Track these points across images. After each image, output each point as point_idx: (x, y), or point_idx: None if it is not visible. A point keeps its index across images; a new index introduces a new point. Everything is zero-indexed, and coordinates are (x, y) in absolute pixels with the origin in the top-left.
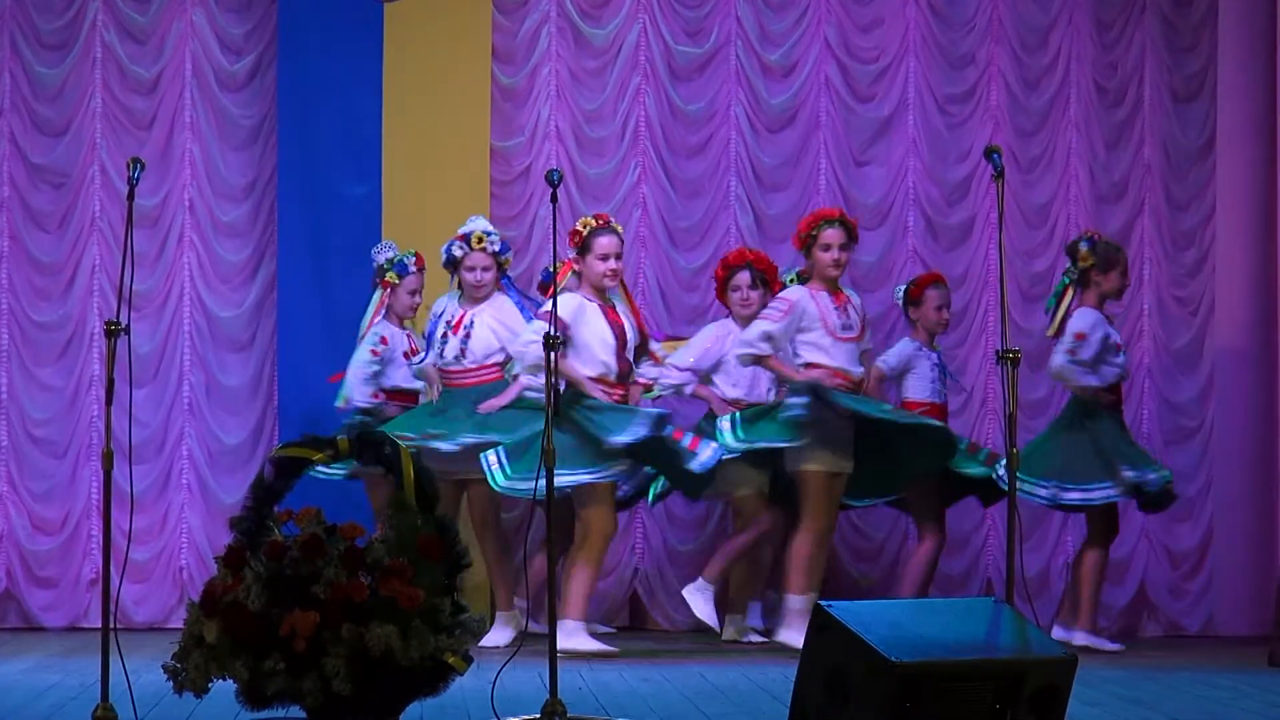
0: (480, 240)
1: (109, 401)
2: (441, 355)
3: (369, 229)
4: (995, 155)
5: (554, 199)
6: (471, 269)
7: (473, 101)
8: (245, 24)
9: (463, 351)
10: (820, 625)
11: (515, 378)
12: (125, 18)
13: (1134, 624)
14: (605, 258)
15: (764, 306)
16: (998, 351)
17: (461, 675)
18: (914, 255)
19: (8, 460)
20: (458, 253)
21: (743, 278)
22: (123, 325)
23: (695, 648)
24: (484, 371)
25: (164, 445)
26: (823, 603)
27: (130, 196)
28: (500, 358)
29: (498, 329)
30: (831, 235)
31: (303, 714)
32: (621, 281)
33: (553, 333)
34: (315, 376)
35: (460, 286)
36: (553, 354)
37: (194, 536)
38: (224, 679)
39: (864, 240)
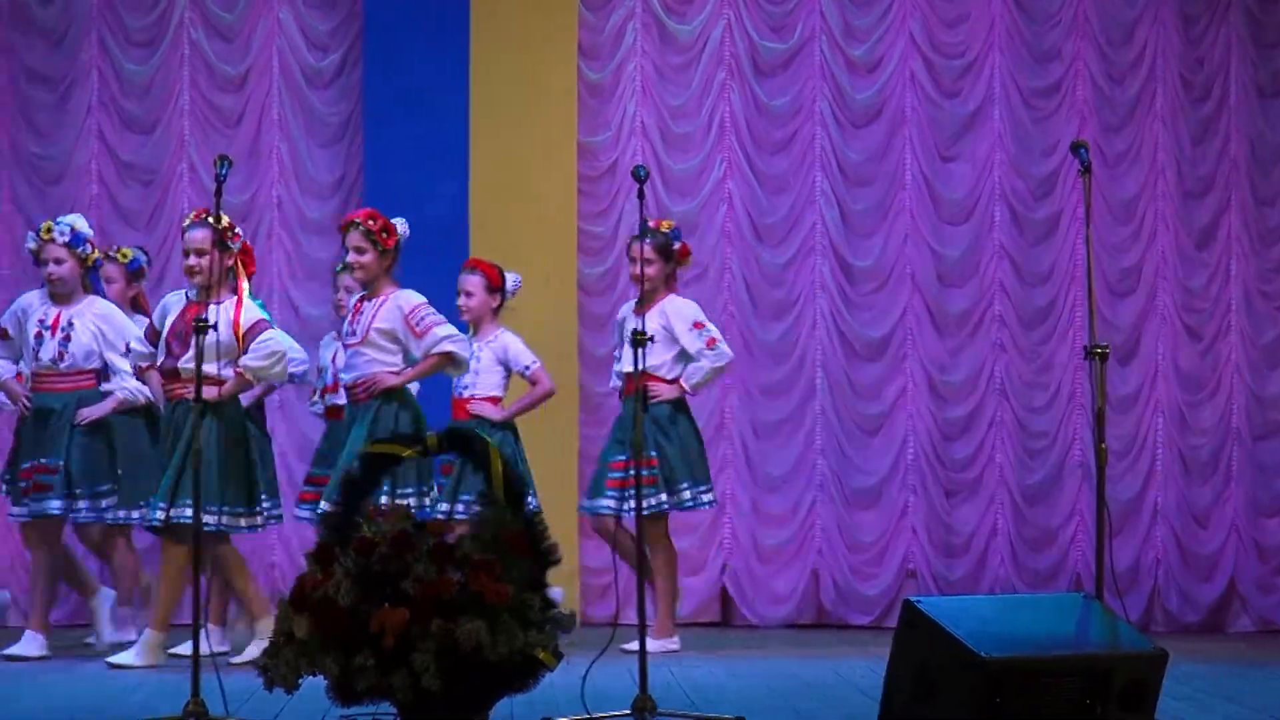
0: (48, 230)
1: (198, 397)
2: (37, 357)
3: (456, 226)
4: (1082, 150)
5: (640, 195)
6: (45, 262)
7: (559, 97)
8: (331, 20)
9: (60, 354)
10: (909, 621)
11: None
12: (213, 15)
13: (1223, 619)
14: None
15: None
16: (1086, 347)
17: (551, 670)
18: (1000, 250)
19: None
20: (32, 245)
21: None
22: (211, 322)
23: (784, 643)
24: (82, 377)
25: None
26: (912, 598)
27: (218, 193)
28: (98, 363)
29: (99, 334)
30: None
31: (393, 710)
32: None
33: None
34: None
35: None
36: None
37: (284, 532)
38: (314, 675)
39: (950, 235)
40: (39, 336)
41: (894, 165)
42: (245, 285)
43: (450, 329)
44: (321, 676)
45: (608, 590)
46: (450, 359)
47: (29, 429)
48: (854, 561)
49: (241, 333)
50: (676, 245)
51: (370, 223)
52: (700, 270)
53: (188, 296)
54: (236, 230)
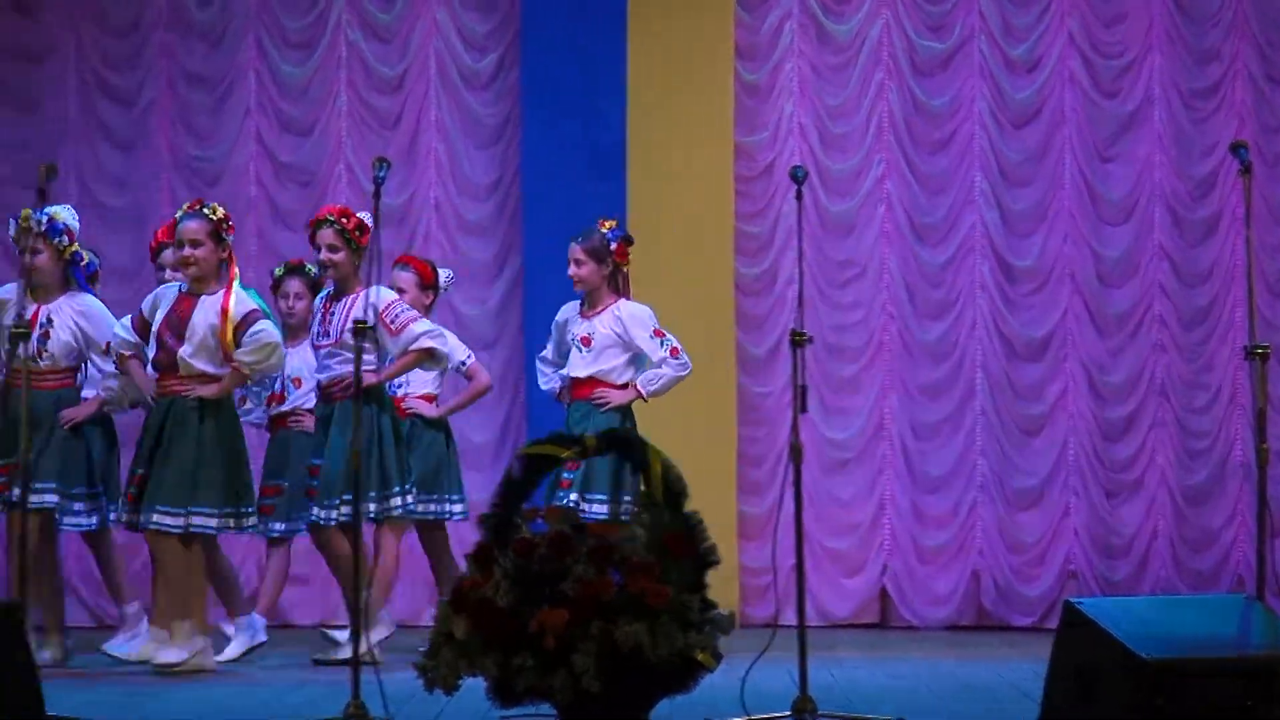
0: (26, 219)
1: (356, 398)
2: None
3: None
4: (1241, 150)
5: (799, 196)
6: (23, 251)
7: (716, 98)
8: (488, 22)
9: (40, 351)
10: (1070, 622)
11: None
12: (370, 17)
13: None
14: None
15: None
16: (1246, 347)
17: (711, 672)
18: (1160, 251)
19: None
20: (12, 234)
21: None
22: (369, 324)
23: (944, 645)
24: (62, 375)
25: None
26: (1073, 599)
27: (376, 195)
28: (77, 361)
29: (78, 331)
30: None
31: (553, 711)
32: None
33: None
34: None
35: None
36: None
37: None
38: (474, 676)
39: (1109, 236)
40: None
41: (1053, 165)
42: (237, 275)
43: (427, 324)
44: (481, 678)
45: (767, 591)
46: (430, 355)
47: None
48: (1015, 562)
49: (232, 324)
50: (614, 246)
51: (344, 220)
52: (859, 270)
53: (180, 289)
54: (231, 223)
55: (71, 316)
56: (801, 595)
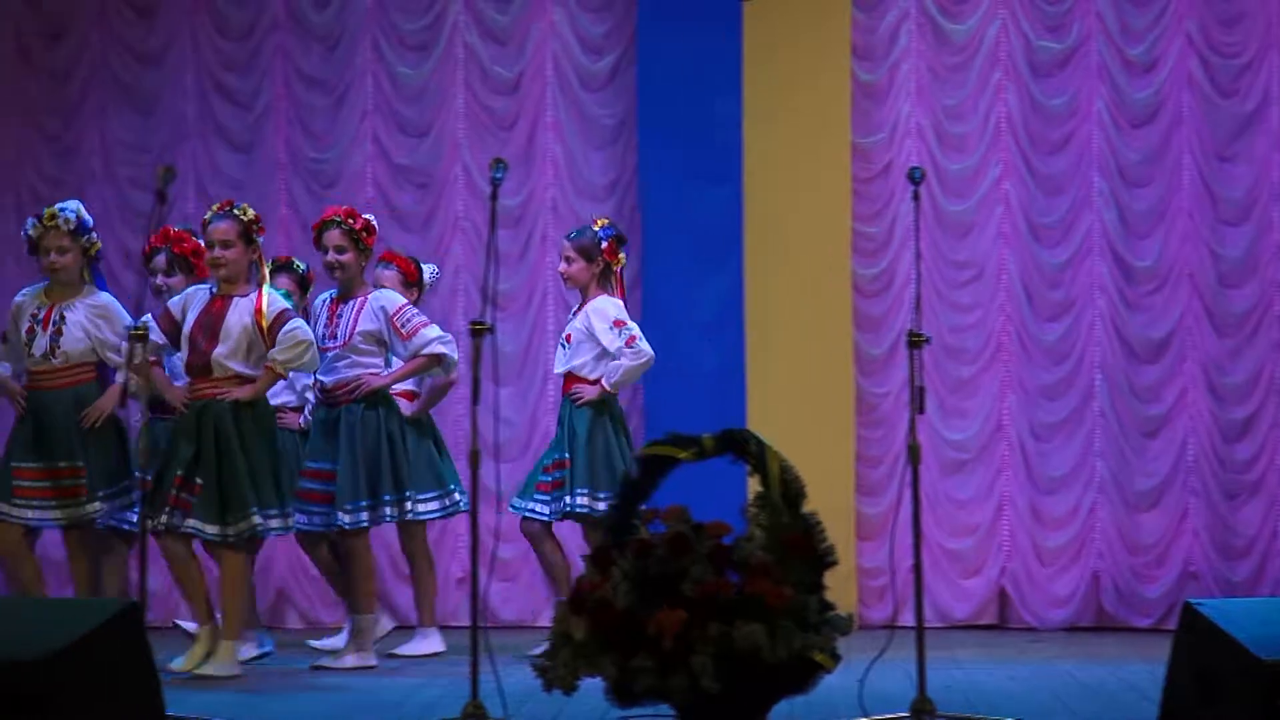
0: (53, 217)
1: (475, 400)
2: (30, 353)
3: (730, 228)
4: None
5: (916, 196)
6: (46, 251)
7: (833, 99)
8: (605, 24)
9: (53, 349)
10: (1189, 624)
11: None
12: (486, 19)
13: None
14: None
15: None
16: None
17: (829, 673)
18: (1279, 250)
19: None
20: (32, 233)
21: None
22: (488, 325)
23: (1064, 646)
24: (79, 371)
25: (529, 444)
26: (1193, 600)
27: (493, 197)
28: (95, 359)
29: (93, 331)
30: None
31: (671, 712)
32: None
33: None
34: (679, 375)
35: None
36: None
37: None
38: (592, 676)
39: (1228, 236)
40: (30, 332)
41: (1172, 165)
42: (267, 276)
43: (437, 330)
44: (599, 678)
45: (885, 592)
46: (439, 360)
47: (27, 429)
48: (1134, 564)
49: (266, 323)
50: (604, 244)
51: (351, 221)
52: (976, 271)
53: (211, 291)
54: (262, 224)
55: (86, 316)
56: (920, 596)
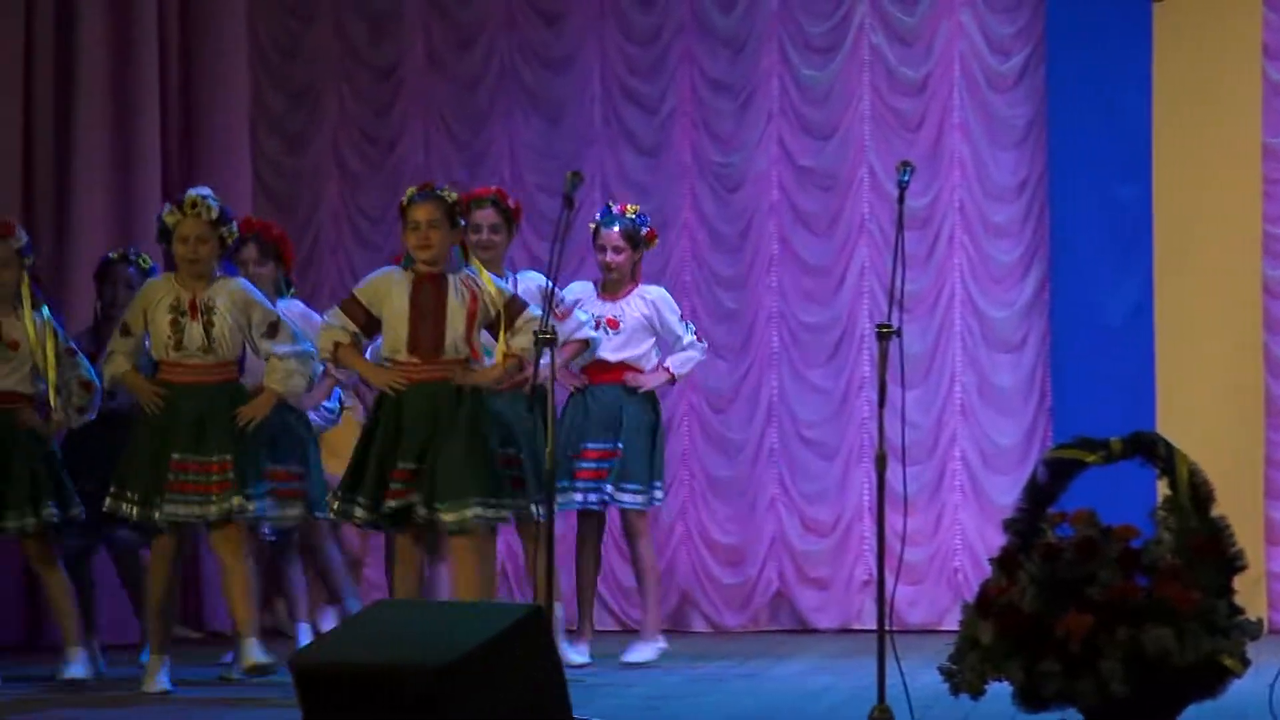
0: (194, 204)
1: (881, 403)
2: (179, 345)
3: (1139, 229)
4: None
5: None
6: (185, 238)
7: (1243, 98)
8: (1014, 24)
9: (207, 343)
10: None
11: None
12: (893, 20)
13: None
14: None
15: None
16: None
17: (1239, 678)
18: None
19: (779, 462)
20: (168, 219)
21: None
22: (894, 327)
23: None
24: (229, 368)
25: (936, 447)
26: None
27: (900, 199)
28: (242, 351)
29: (241, 319)
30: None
31: (1079, 716)
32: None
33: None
34: (1088, 377)
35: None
36: None
37: (968, 538)
38: (999, 681)
39: None
40: (175, 323)
41: None
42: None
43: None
44: (1006, 682)
45: None
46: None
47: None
48: None
49: (498, 307)
50: (645, 231)
51: (507, 201)
52: None
53: (405, 268)
54: (463, 208)
55: (232, 305)
56: None
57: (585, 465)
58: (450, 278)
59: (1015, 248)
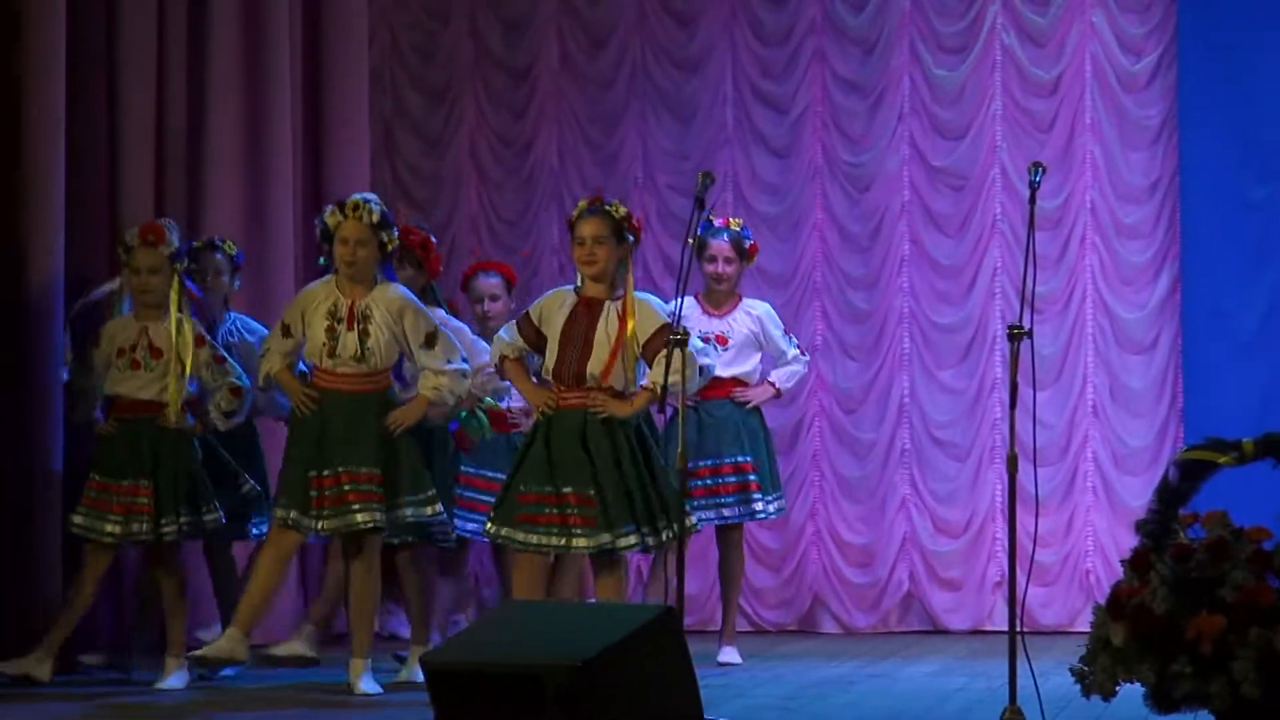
0: (356, 207)
1: (1013, 404)
2: (333, 353)
3: (1271, 230)
4: None
5: None
6: (345, 241)
7: None
8: (1145, 24)
9: (360, 352)
10: None
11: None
12: (1025, 21)
13: None
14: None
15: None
16: None
17: None
18: None
19: (910, 463)
20: (329, 220)
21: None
22: (1026, 328)
23: None
24: (378, 378)
25: (1068, 448)
26: None
27: (1032, 199)
28: (397, 360)
29: (397, 328)
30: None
31: (1210, 718)
32: None
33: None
34: (1219, 378)
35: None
36: None
37: (1099, 539)
38: (1130, 682)
39: None
40: (331, 331)
41: None
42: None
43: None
44: (1138, 684)
45: None
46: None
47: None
48: None
49: (644, 338)
50: (749, 243)
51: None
52: None
53: (574, 289)
54: (635, 221)
55: (387, 313)
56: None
57: (700, 483)
58: (608, 305)
59: (1147, 249)
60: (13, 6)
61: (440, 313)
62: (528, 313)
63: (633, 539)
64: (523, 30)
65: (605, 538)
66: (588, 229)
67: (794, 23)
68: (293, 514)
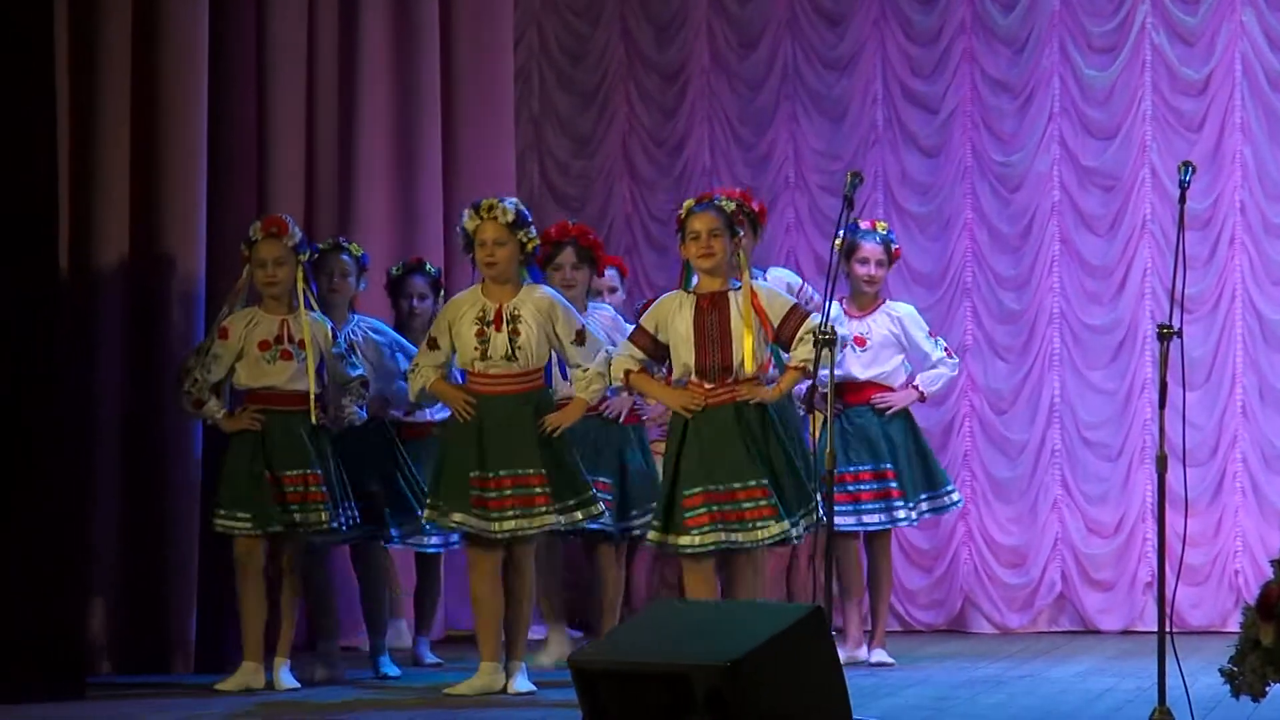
0: (490, 208)
1: (1162, 405)
2: (484, 356)
3: None
4: None
5: None
6: (483, 243)
7: None
8: None
9: (511, 351)
10: None
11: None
12: (1175, 20)
13: None
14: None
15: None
16: None
17: None
18: None
19: (1061, 463)
20: (468, 224)
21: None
22: (1175, 329)
23: None
24: (531, 378)
25: (1217, 449)
26: None
27: (1181, 199)
28: (548, 360)
29: (548, 327)
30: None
31: None
32: None
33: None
34: None
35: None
36: None
37: (1248, 540)
38: None
39: None
40: (480, 334)
41: None
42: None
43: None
44: None
45: None
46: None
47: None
48: None
49: (777, 320)
50: (894, 246)
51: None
52: None
53: (688, 290)
54: (756, 215)
55: (537, 313)
56: None
57: (842, 489)
58: (732, 296)
59: None
60: (154, 13)
61: (608, 309)
62: (640, 326)
63: (802, 525)
64: (674, 32)
65: (784, 525)
66: (701, 224)
67: (944, 23)
68: (457, 515)
